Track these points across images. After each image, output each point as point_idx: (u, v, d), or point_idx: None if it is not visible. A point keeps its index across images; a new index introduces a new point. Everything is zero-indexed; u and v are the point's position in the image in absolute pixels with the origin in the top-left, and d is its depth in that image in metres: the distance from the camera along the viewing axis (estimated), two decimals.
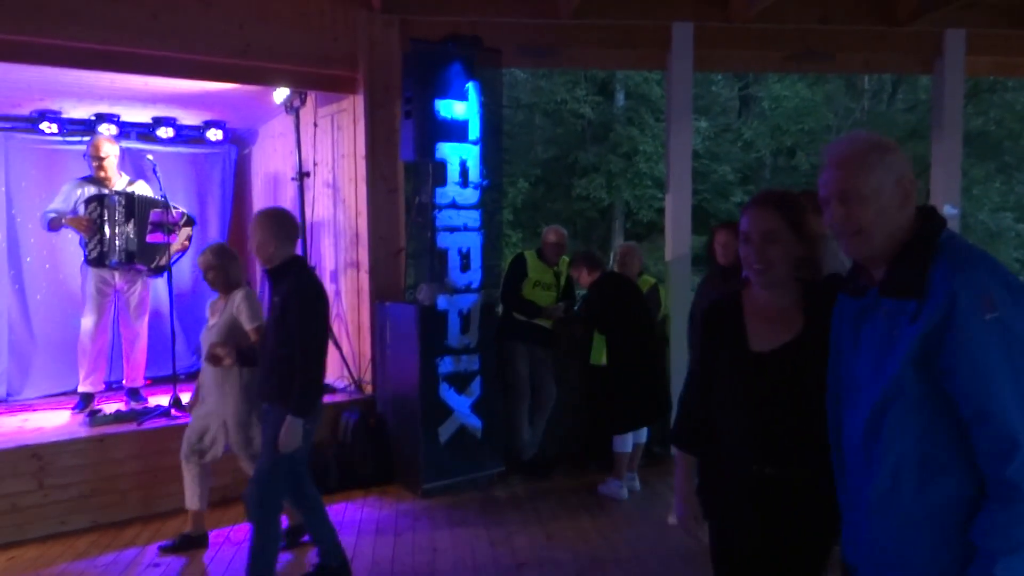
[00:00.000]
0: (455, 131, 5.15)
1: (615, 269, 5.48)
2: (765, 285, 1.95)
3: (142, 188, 5.72)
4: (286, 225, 3.50)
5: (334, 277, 6.27)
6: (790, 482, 1.91)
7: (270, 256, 3.46)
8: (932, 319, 1.54)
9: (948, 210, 5.99)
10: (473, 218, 5.26)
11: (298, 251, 3.99)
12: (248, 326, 3.89)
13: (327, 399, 5.59)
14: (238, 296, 3.96)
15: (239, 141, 7.41)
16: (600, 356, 5.07)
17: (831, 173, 1.66)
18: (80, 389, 5.55)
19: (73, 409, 5.43)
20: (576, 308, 5.82)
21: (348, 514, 4.81)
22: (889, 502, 1.63)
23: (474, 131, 5.23)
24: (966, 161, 18.63)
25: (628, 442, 5.08)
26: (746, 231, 1.94)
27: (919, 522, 1.60)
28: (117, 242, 5.43)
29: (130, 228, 5.47)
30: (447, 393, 5.13)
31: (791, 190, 2.14)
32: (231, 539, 4.36)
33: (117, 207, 5.44)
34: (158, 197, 5.56)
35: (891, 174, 1.63)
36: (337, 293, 6.22)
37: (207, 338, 3.98)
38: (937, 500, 1.58)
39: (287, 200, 6.61)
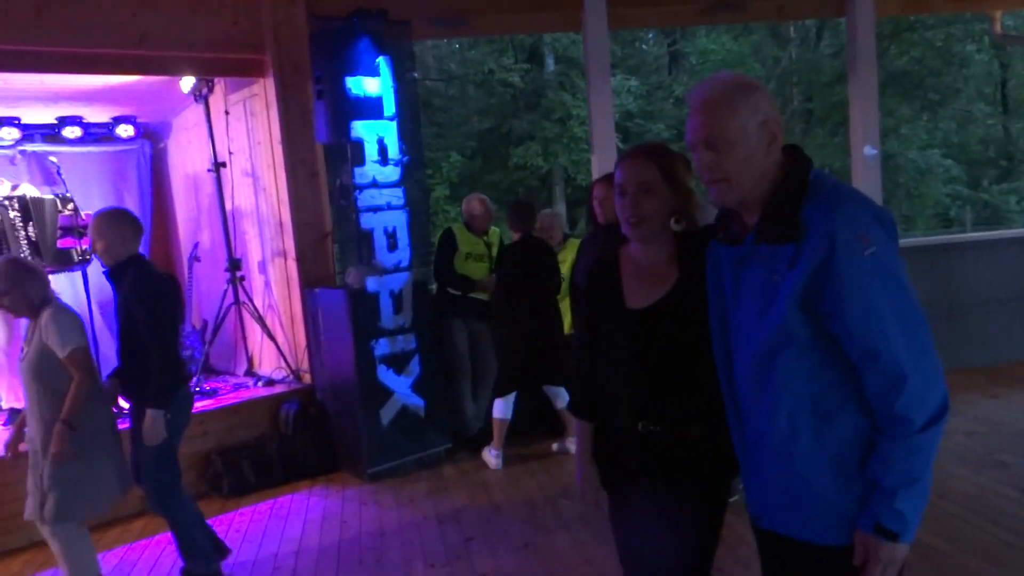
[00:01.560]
0: (369, 108, 5.02)
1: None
2: (640, 238, 1.91)
3: (29, 190, 5.49)
4: (123, 224, 3.48)
5: (262, 268, 6.12)
6: (678, 439, 1.88)
7: (111, 257, 3.47)
8: (811, 261, 1.51)
9: (868, 151, 6.07)
10: (396, 196, 5.16)
11: (143, 248, 3.81)
12: (60, 354, 3.23)
13: (265, 392, 5.56)
14: (44, 317, 3.28)
15: (153, 135, 7.15)
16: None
17: (696, 118, 1.61)
18: (4, 405, 5.35)
19: (3, 425, 5.23)
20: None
21: (293, 506, 4.73)
22: (788, 448, 1.61)
23: (389, 107, 5.11)
24: (893, 101, 19.15)
25: (505, 408, 5.08)
26: (621, 183, 1.89)
27: (820, 464, 1.59)
28: (24, 249, 5.21)
29: (32, 231, 5.25)
30: (385, 375, 5.05)
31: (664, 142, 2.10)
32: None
33: (8, 212, 5.21)
34: (53, 196, 5.35)
35: (757, 115, 1.58)
36: (267, 283, 6.07)
37: (22, 372, 3.38)
38: (835, 441, 1.58)
39: (205, 194, 6.42)
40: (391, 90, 5.12)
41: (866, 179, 6.07)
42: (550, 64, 18.89)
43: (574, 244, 5.72)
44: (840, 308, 1.51)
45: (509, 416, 5.11)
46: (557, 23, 6.38)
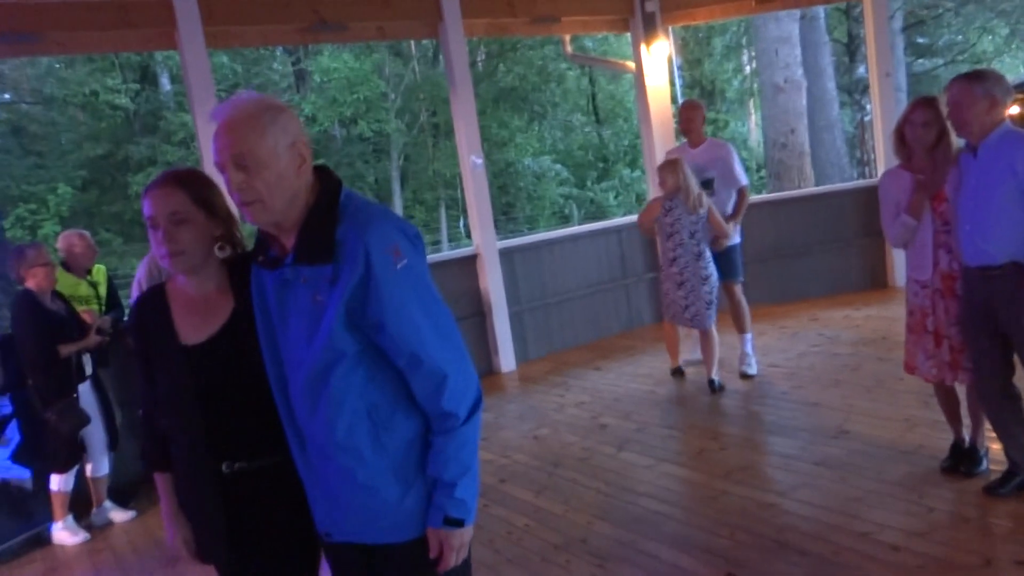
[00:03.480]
0: None
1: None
2: (182, 271, 1.81)
3: None
4: None
5: None
6: (264, 473, 1.81)
7: None
8: (350, 279, 1.57)
9: (473, 160, 6.60)
10: None
11: None
12: None
13: None
14: None
15: None
16: None
17: (224, 138, 1.57)
18: None
19: None
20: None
21: None
22: (351, 461, 1.65)
23: None
24: (506, 114, 21.07)
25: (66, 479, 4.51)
26: (151, 216, 1.75)
27: (383, 472, 1.65)
28: None
29: None
30: None
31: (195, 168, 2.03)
32: None
33: None
34: None
35: (286, 136, 1.59)
36: None
37: None
38: (393, 447, 1.66)
39: None
40: None
41: (475, 185, 6.60)
42: (166, 83, 17.67)
43: None
44: (382, 320, 1.58)
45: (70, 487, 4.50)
46: (149, 41, 5.97)
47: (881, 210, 3.52)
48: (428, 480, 1.66)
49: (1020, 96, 9.58)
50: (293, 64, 20.52)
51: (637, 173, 20.05)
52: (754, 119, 23.69)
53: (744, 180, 5.57)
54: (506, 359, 6.64)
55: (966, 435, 3.60)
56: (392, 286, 1.58)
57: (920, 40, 20.87)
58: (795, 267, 7.53)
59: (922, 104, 3.33)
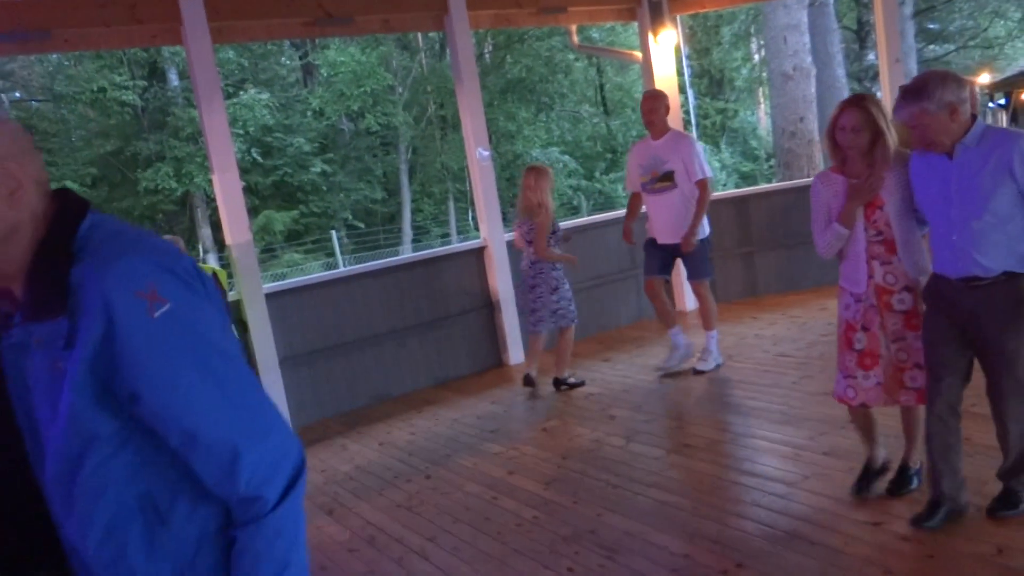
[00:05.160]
0: None
1: None
2: None
3: None
4: None
5: None
6: None
7: None
8: (91, 336, 1.18)
9: (480, 152, 6.59)
10: None
11: None
12: None
13: None
14: None
15: None
16: None
17: None
18: None
19: None
20: None
21: None
22: (118, 570, 1.26)
23: None
24: (513, 106, 21.03)
25: None
26: None
27: None
28: None
29: None
30: None
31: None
32: None
33: None
34: None
35: None
36: None
37: None
38: (176, 546, 1.27)
39: None
40: None
41: (482, 177, 6.59)
42: (174, 79, 17.72)
43: (204, 270, 5.43)
44: (138, 389, 1.20)
45: None
46: (155, 38, 5.95)
47: (811, 217, 3.29)
48: None
49: None
50: (300, 58, 20.53)
51: None
52: (763, 108, 23.57)
53: (704, 173, 5.38)
54: (515, 351, 6.64)
55: (880, 454, 3.41)
56: (146, 342, 1.18)
57: (931, 26, 20.71)
58: (804, 256, 7.47)
59: (850, 106, 3.07)
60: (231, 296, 5.54)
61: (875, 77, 16.61)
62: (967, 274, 2.82)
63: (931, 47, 20.89)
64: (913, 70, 14.76)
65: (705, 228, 5.51)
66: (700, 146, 5.55)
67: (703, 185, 5.36)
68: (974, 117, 2.77)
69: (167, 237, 5.38)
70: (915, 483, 3.36)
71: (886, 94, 7.36)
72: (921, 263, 3.11)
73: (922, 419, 3.19)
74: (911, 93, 2.77)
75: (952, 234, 2.83)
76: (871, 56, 18.15)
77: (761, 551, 3.12)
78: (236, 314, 5.54)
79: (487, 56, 21.13)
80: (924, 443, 3.11)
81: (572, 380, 5.68)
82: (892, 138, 3.03)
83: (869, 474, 3.41)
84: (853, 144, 3.06)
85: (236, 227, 5.66)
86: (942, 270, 2.92)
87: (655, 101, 5.56)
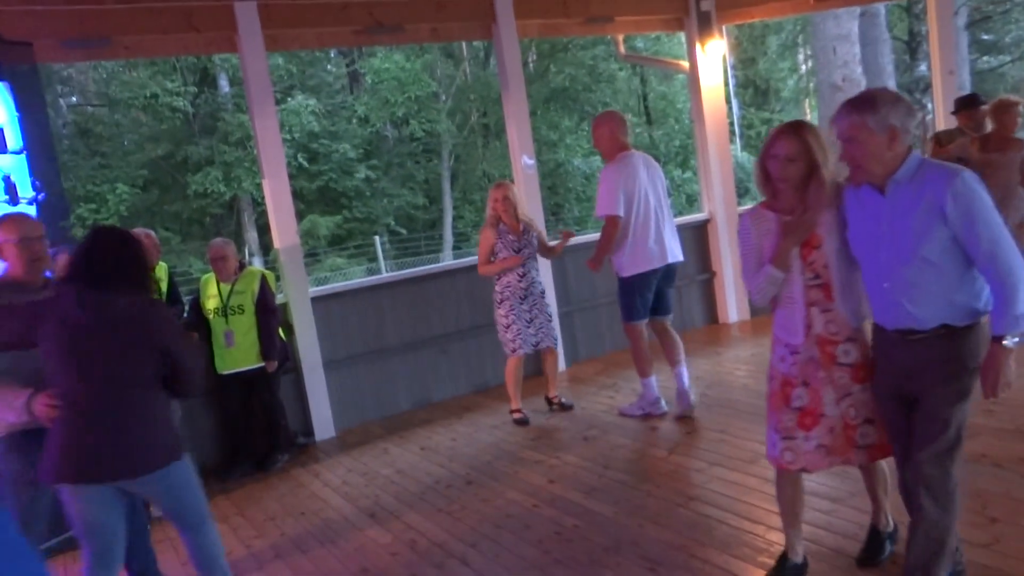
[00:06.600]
0: None
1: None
2: None
3: None
4: None
5: None
6: None
7: None
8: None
9: (525, 160, 6.62)
10: None
11: None
12: None
13: None
14: None
15: None
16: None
17: None
18: None
19: None
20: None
21: None
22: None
23: (14, 140, 4.54)
24: (556, 115, 21.05)
25: None
26: None
27: None
28: None
29: None
30: None
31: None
32: None
33: None
34: None
35: None
36: None
37: None
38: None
39: None
40: (16, 121, 4.55)
41: (526, 185, 6.61)
42: (224, 85, 18.08)
43: (254, 273, 5.51)
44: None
45: None
46: (211, 45, 6.10)
47: (740, 258, 2.93)
48: None
49: None
50: (347, 66, 20.81)
51: (688, 174, 19.84)
52: (810, 119, 23.25)
53: (604, 209, 4.83)
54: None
55: (799, 548, 3.01)
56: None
57: (985, 37, 20.24)
58: None
59: (785, 133, 2.73)
60: (278, 299, 5.63)
61: (926, 89, 16.29)
62: (901, 325, 2.54)
63: (985, 58, 20.42)
64: (966, 82, 14.44)
65: (625, 268, 4.98)
66: (615, 177, 4.89)
67: (605, 221, 4.90)
68: (909, 149, 2.49)
69: (216, 240, 5.49)
70: (888, 548, 3.08)
71: (939, 106, 7.22)
72: (861, 310, 2.78)
73: (884, 478, 3.02)
74: (855, 104, 2.49)
75: (883, 280, 2.55)
76: (922, 67, 17.81)
77: (808, 567, 3.07)
78: (283, 317, 5.63)
79: (531, 65, 21.19)
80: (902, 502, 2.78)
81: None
82: (828, 172, 2.72)
83: (786, 568, 3.00)
84: (785, 175, 2.73)
85: (284, 231, 5.76)
86: (879, 319, 2.64)
87: (599, 127, 5.15)
